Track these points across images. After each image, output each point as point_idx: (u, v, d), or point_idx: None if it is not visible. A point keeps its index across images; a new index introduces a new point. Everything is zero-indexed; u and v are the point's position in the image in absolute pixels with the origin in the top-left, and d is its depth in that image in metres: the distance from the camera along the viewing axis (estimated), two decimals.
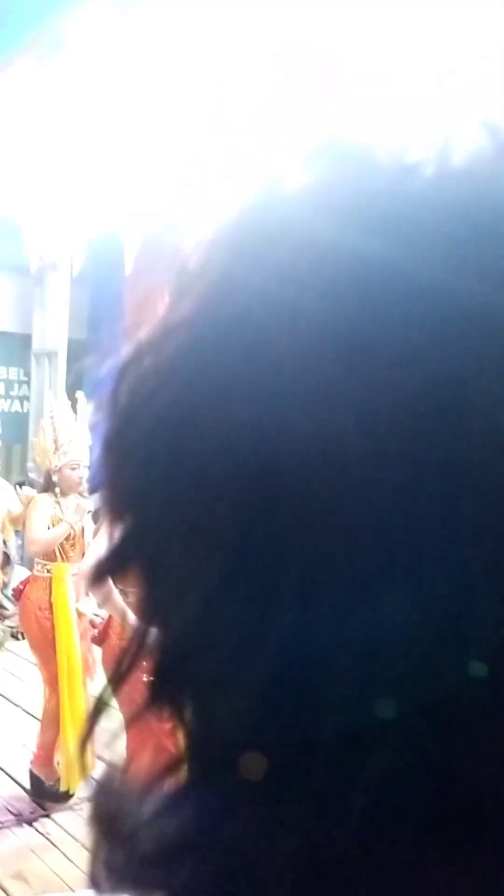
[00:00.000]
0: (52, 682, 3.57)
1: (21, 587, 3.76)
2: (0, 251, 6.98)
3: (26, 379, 7.46)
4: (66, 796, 3.56)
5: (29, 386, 7.17)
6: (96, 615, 3.54)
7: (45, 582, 3.60)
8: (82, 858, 3.11)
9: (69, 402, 3.76)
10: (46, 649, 3.56)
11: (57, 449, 3.59)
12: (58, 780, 3.59)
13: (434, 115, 0.30)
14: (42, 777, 3.57)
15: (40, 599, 3.58)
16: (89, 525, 3.62)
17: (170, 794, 0.29)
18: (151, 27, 3.32)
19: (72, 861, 3.10)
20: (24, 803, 3.53)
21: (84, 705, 3.50)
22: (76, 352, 7.08)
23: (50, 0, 3.59)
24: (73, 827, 3.35)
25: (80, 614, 3.66)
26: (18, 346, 7.40)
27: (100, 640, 3.16)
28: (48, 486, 3.64)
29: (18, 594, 3.78)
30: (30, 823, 3.38)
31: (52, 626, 3.54)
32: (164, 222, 5.23)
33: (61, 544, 3.60)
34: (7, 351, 7.59)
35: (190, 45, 3.30)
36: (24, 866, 3.06)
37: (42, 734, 3.62)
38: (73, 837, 3.27)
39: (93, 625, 3.48)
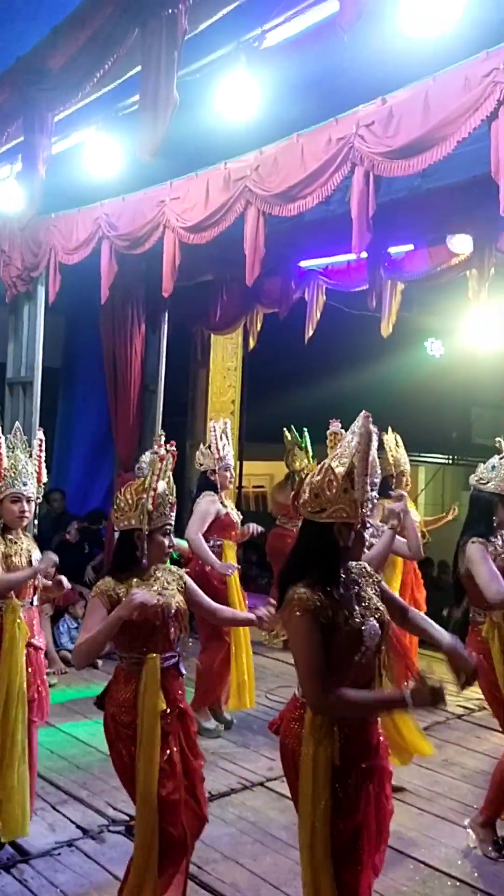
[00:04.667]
0: None
1: None
2: None
3: (0, 408, 7.36)
4: None
5: (2, 415, 7.07)
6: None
7: None
8: None
9: (22, 435, 3.66)
10: None
11: None
12: None
13: None
14: None
15: None
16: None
17: None
18: None
19: None
20: (1, 849, 3.41)
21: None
22: (51, 381, 7.01)
23: None
24: (51, 873, 3.24)
25: (35, 649, 3.51)
26: None
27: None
28: None
29: None
30: (7, 870, 3.26)
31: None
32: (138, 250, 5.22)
33: None
34: None
35: None
36: None
37: None
38: (52, 883, 3.16)
39: None
